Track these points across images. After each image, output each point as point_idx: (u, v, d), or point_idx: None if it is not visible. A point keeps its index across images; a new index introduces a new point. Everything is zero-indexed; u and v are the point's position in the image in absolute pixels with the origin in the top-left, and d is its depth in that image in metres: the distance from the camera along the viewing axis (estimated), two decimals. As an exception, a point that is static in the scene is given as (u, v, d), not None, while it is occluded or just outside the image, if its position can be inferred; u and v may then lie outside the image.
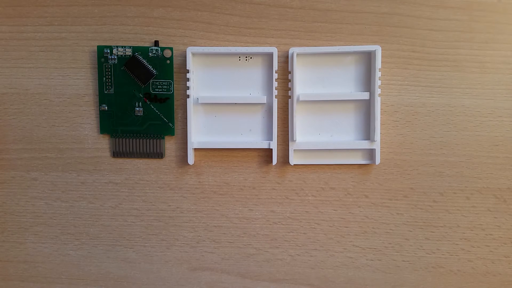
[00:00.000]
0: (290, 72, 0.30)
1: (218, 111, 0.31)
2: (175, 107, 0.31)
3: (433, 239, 0.32)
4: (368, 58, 0.30)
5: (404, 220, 0.32)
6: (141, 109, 0.31)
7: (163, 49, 0.30)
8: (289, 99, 0.31)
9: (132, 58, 0.30)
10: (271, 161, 0.31)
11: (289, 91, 0.30)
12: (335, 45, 0.30)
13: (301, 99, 0.30)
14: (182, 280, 0.33)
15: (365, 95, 0.30)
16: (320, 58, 0.31)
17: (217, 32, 0.31)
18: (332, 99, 0.30)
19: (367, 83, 0.31)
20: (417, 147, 0.31)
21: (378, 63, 0.29)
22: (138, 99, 0.31)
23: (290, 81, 0.30)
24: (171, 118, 0.31)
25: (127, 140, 0.31)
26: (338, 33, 0.30)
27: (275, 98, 0.30)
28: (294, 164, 0.31)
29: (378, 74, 0.29)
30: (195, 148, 0.31)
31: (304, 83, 0.31)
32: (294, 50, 0.30)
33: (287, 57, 0.31)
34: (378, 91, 0.30)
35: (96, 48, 0.31)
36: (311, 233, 0.32)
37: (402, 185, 0.31)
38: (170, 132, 0.31)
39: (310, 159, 0.31)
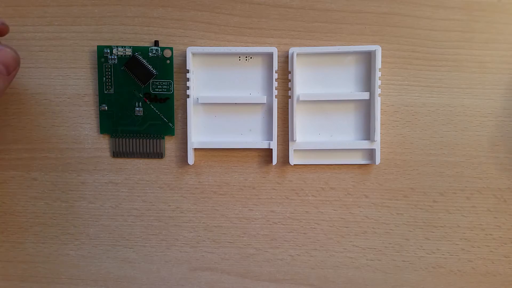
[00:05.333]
0: (290, 72, 0.30)
1: (218, 111, 0.31)
2: (175, 107, 0.31)
3: (433, 239, 0.32)
4: (368, 58, 0.30)
5: (404, 220, 0.32)
6: (141, 109, 0.31)
7: (163, 49, 0.30)
8: (289, 99, 0.31)
9: (132, 58, 0.30)
10: (271, 161, 0.31)
11: (289, 91, 0.30)
12: (335, 45, 0.30)
13: (301, 99, 0.30)
14: (182, 280, 0.33)
15: (365, 95, 0.30)
16: (320, 58, 0.31)
17: (217, 32, 0.31)
18: (332, 99, 0.30)
19: (367, 83, 0.31)
20: (417, 147, 0.31)
21: (378, 63, 0.29)
22: (138, 99, 0.31)
23: (290, 81, 0.30)
24: (171, 118, 0.31)
25: (127, 140, 0.31)
26: (338, 33, 0.30)
27: (275, 98, 0.30)
28: (294, 164, 0.31)
29: (378, 74, 0.29)
30: (195, 148, 0.31)
31: (304, 83, 0.31)
32: (294, 50, 0.30)
33: (287, 57, 0.31)
34: (378, 91, 0.30)
35: (96, 48, 0.31)
36: (311, 233, 0.32)
37: (402, 185, 0.31)
38: (170, 132, 0.31)
39: (310, 159, 0.31)
